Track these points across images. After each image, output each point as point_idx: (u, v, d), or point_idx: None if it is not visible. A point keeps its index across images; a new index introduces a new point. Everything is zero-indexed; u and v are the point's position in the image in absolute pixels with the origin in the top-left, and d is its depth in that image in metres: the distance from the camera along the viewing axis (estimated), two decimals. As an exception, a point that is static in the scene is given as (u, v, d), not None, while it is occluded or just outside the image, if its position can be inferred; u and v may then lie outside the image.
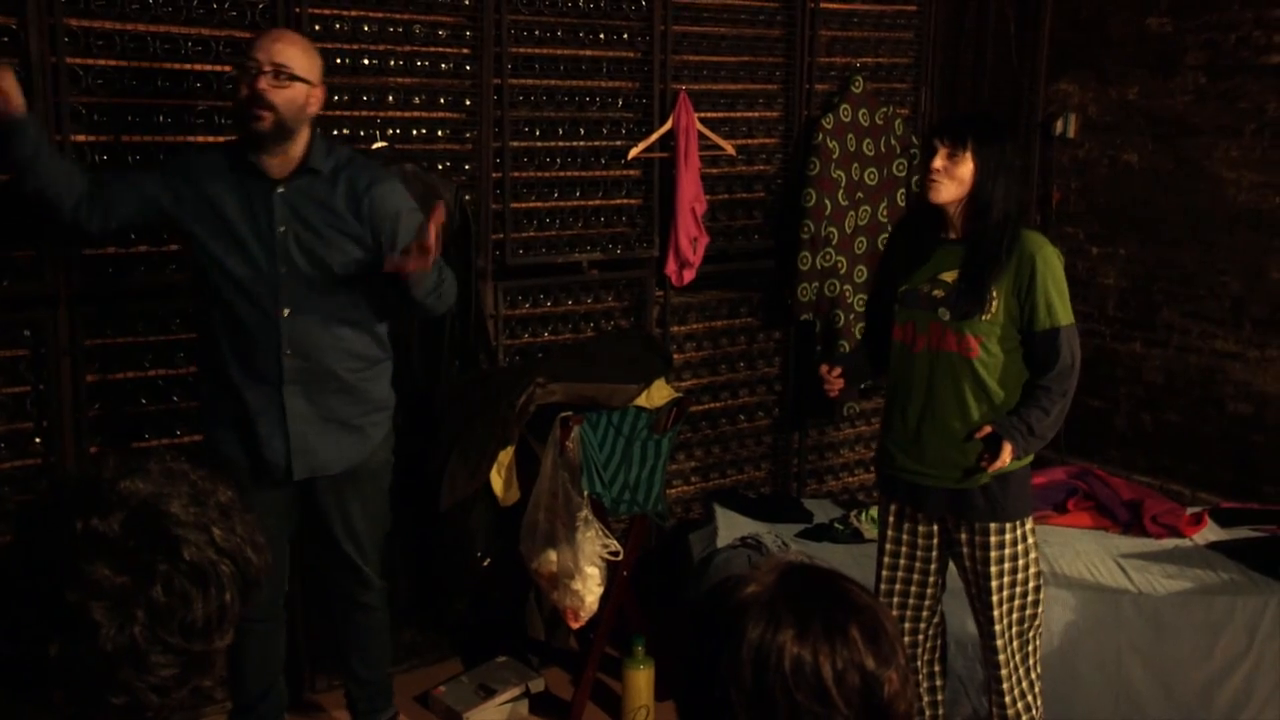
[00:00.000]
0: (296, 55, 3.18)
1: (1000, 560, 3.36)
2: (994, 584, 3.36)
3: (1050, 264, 3.24)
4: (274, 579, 3.46)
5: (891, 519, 3.54)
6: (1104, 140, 5.72)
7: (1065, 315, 3.26)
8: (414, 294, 3.25)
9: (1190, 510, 4.80)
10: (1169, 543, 4.52)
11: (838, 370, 3.49)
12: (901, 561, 3.54)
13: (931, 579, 3.53)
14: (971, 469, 3.31)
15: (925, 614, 3.56)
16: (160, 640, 1.30)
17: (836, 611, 1.32)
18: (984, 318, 3.23)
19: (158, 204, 3.24)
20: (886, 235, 5.29)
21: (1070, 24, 5.78)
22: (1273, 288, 5.15)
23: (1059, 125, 5.81)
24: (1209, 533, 4.62)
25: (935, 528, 3.48)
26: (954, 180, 3.21)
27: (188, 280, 3.63)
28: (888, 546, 3.56)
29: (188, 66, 3.68)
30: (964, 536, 3.39)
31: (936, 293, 3.30)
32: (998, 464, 3.26)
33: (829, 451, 5.58)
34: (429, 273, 3.20)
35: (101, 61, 3.56)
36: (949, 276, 3.28)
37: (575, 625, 3.99)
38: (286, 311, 3.26)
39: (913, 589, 3.54)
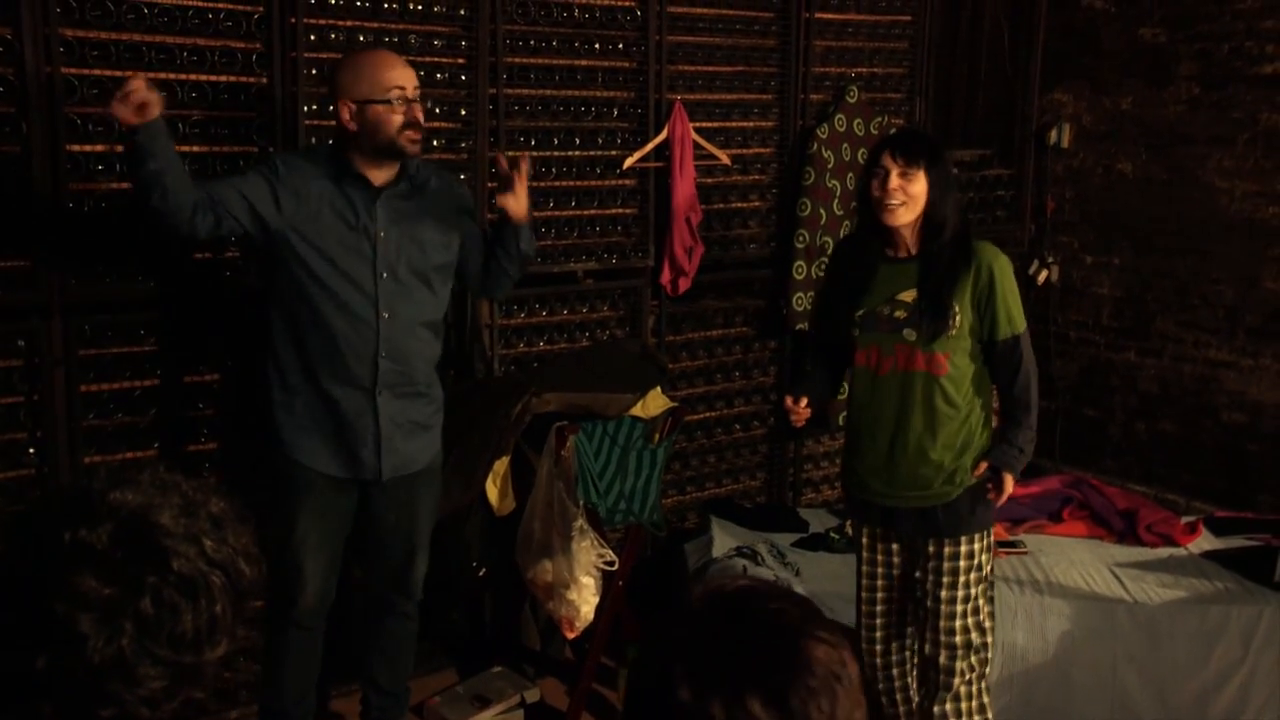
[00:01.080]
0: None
1: (967, 570, 3.37)
2: (959, 592, 3.37)
3: (1006, 272, 3.27)
4: (324, 587, 3.47)
5: (865, 541, 3.54)
6: (1098, 150, 5.73)
7: (1021, 322, 3.30)
8: (522, 244, 3.51)
9: (1185, 519, 4.80)
10: (1164, 552, 4.52)
11: (804, 401, 3.39)
12: (880, 583, 3.55)
13: (907, 601, 3.54)
14: (946, 481, 3.33)
15: (908, 631, 3.57)
16: (149, 652, 1.28)
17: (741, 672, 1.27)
18: (950, 333, 3.24)
19: (260, 207, 3.23)
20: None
21: (1064, 34, 5.79)
22: (1266, 297, 5.15)
23: (1053, 135, 5.81)
24: (1204, 542, 4.62)
25: (901, 547, 3.51)
26: (911, 199, 3.20)
27: (165, 291, 3.62)
28: (864, 569, 3.56)
29: (183, 76, 3.66)
30: (932, 551, 3.39)
31: (898, 314, 3.28)
32: (1003, 498, 3.33)
33: (824, 461, 5.57)
34: (529, 220, 3.49)
35: (97, 71, 3.54)
36: (907, 296, 3.27)
37: (570, 635, 3.98)
38: (386, 315, 3.31)
39: (894, 609, 3.56)
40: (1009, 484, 3.32)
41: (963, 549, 3.37)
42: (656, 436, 4.12)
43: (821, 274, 5.15)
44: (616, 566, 3.99)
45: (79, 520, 1.30)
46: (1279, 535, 4.61)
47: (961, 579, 3.37)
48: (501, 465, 3.92)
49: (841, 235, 5.21)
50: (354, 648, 3.78)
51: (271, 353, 3.38)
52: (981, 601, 3.42)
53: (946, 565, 3.37)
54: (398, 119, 3.22)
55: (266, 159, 3.31)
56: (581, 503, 3.88)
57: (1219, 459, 5.36)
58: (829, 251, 5.16)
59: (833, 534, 4.74)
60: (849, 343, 3.39)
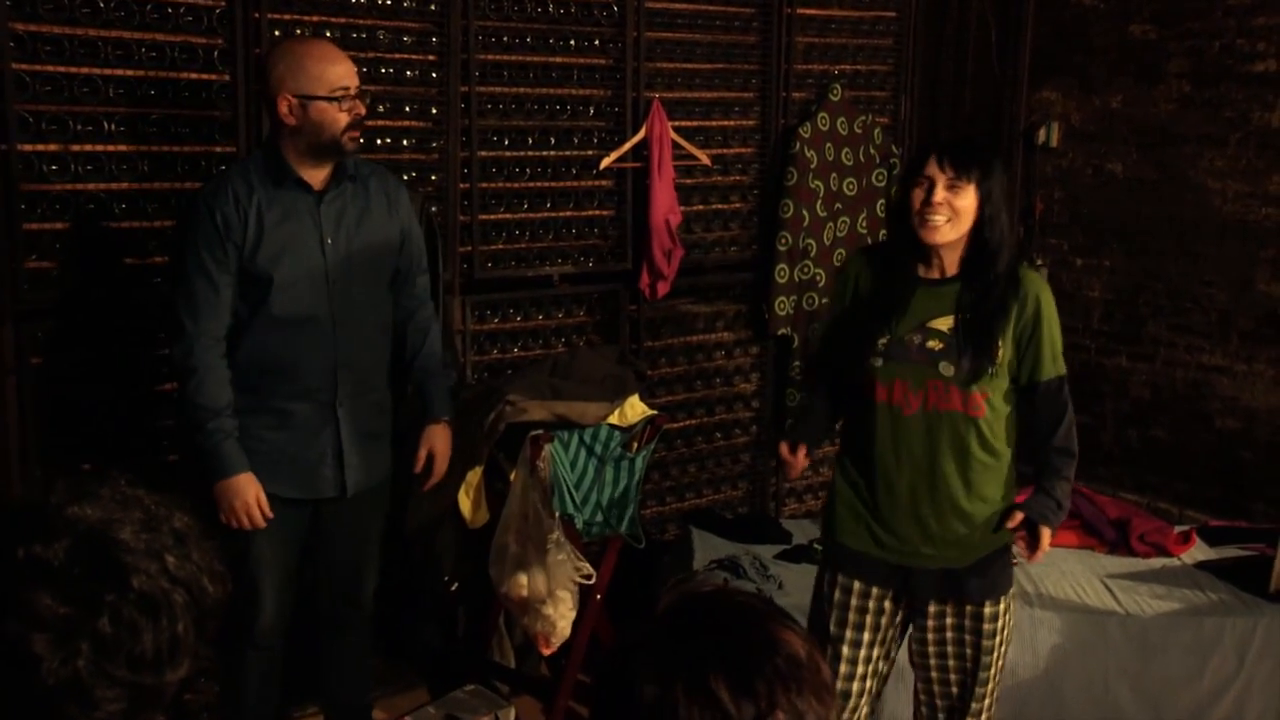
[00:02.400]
0: None
1: (993, 635, 3.10)
2: (987, 660, 3.10)
3: (1051, 306, 2.98)
4: (281, 606, 3.45)
5: (855, 603, 3.13)
6: (1087, 149, 5.75)
7: (1063, 363, 3.01)
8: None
9: (1178, 529, 4.82)
10: (1156, 562, 4.53)
11: (803, 450, 3.17)
12: (865, 652, 3.15)
13: (887, 666, 3.23)
14: (982, 538, 3.05)
15: (874, 701, 3.26)
16: (106, 674, 1.27)
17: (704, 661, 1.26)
18: (991, 370, 2.93)
19: (232, 273, 3.19)
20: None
21: (1052, 31, 5.81)
22: (1260, 299, 5.17)
23: (1041, 134, 5.83)
24: (1197, 552, 4.64)
25: (900, 609, 3.15)
26: (957, 215, 2.87)
27: (124, 296, 3.60)
28: (847, 635, 3.13)
29: (141, 73, 3.64)
30: (951, 620, 3.10)
31: (932, 344, 2.94)
32: (1038, 555, 3.05)
33: (808, 470, 5.55)
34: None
35: (50, 68, 3.51)
36: (942, 324, 2.94)
37: (547, 652, 3.97)
38: (342, 324, 3.28)
39: (877, 682, 3.22)
40: (1046, 541, 3.03)
41: (999, 610, 3.09)
42: (635, 445, 4.11)
43: (804, 277, 5.16)
44: (594, 580, 3.97)
45: (34, 536, 1.28)
46: (1274, 545, 4.62)
47: (996, 650, 3.10)
48: (474, 476, 3.91)
49: (825, 238, 5.21)
50: (311, 667, 3.77)
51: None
52: (1003, 665, 3.18)
53: (986, 628, 3.07)
54: (343, 119, 3.18)
55: (194, 210, 3.19)
56: (557, 514, 3.87)
57: (1213, 467, 5.38)
58: (812, 254, 5.17)
59: (816, 545, 4.72)
60: (864, 374, 3.03)
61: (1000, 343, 2.92)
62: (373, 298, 3.38)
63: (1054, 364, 2.97)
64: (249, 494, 3.19)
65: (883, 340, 2.97)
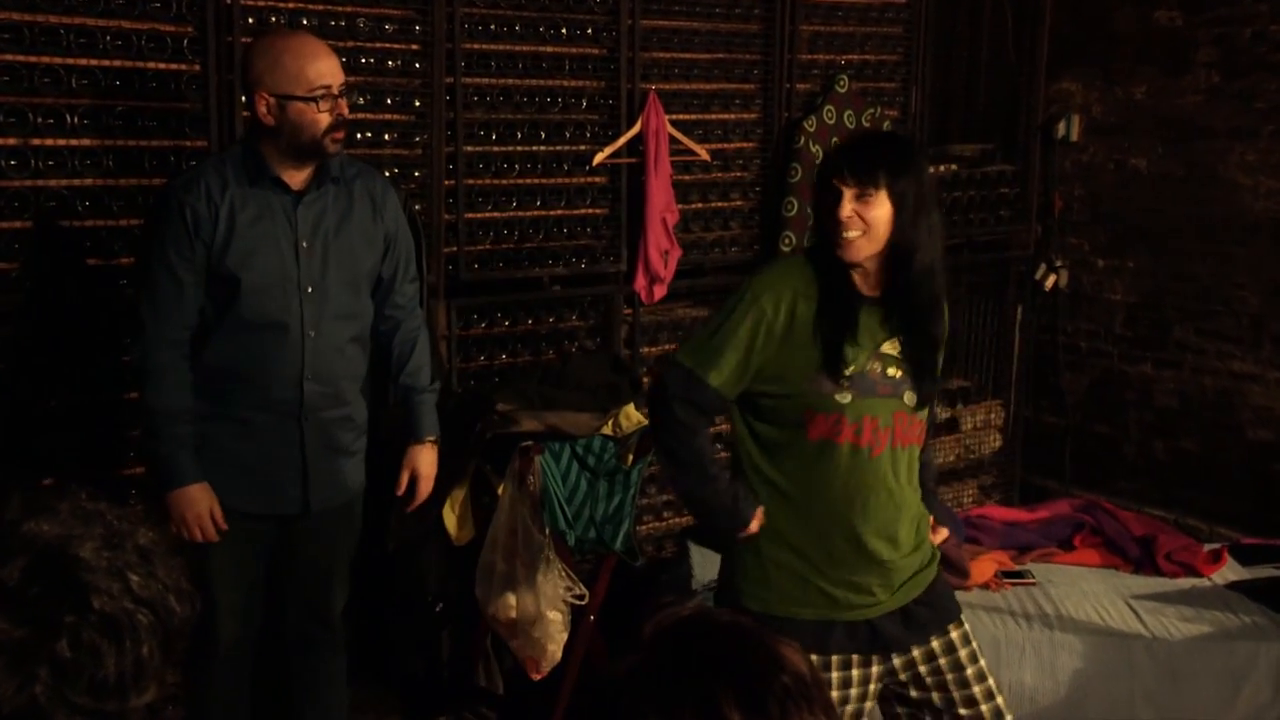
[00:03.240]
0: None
1: (974, 658, 2.92)
2: (988, 680, 2.92)
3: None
4: (245, 621, 3.44)
5: (836, 675, 2.83)
6: (1109, 144, 5.76)
7: None
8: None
9: (1208, 547, 4.81)
10: (1185, 582, 4.52)
11: (759, 511, 2.84)
12: None
13: None
14: (927, 560, 2.92)
15: None
16: (66, 700, 1.26)
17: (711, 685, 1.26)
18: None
19: (198, 270, 3.18)
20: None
21: (1072, 18, 5.82)
22: (1293, 303, 5.18)
23: (1061, 128, 5.84)
24: (1229, 571, 4.63)
25: (871, 672, 2.89)
26: (870, 228, 2.67)
27: (85, 298, 3.59)
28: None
29: (106, 63, 3.64)
30: (938, 649, 2.89)
31: (892, 371, 2.75)
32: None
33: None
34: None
35: (8, 56, 3.52)
36: (893, 349, 2.76)
37: (537, 677, 3.96)
38: (312, 334, 3.26)
39: None
40: (942, 535, 3.00)
41: (966, 631, 2.94)
42: (630, 457, 4.11)
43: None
44: (587, 601, 3.97)
45: (-12, 554, 1.28)
46: (1309, 563, 4.63)
47: (982, 661, 2.93)
48: (460, 490, 3.90)
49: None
50: (283, 691, 3.77)
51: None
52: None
53: (965, 653, 2.90)
54: (324, 119, 3.15)
55: (164, 203, 3.18)
56: (548, 531, 3.87)
57: (1244, 480, 5.38)
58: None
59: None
60: (816, 414, 2.75)
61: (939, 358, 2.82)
62: (348, 307, 3.35)
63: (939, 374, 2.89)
64: (201, 505, 3.18)
65: (849, 371, 2.71)
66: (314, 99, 3.14)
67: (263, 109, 3.15)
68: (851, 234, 2.66)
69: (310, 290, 3.25)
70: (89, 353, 3.74)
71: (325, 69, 3.17)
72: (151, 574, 1.36)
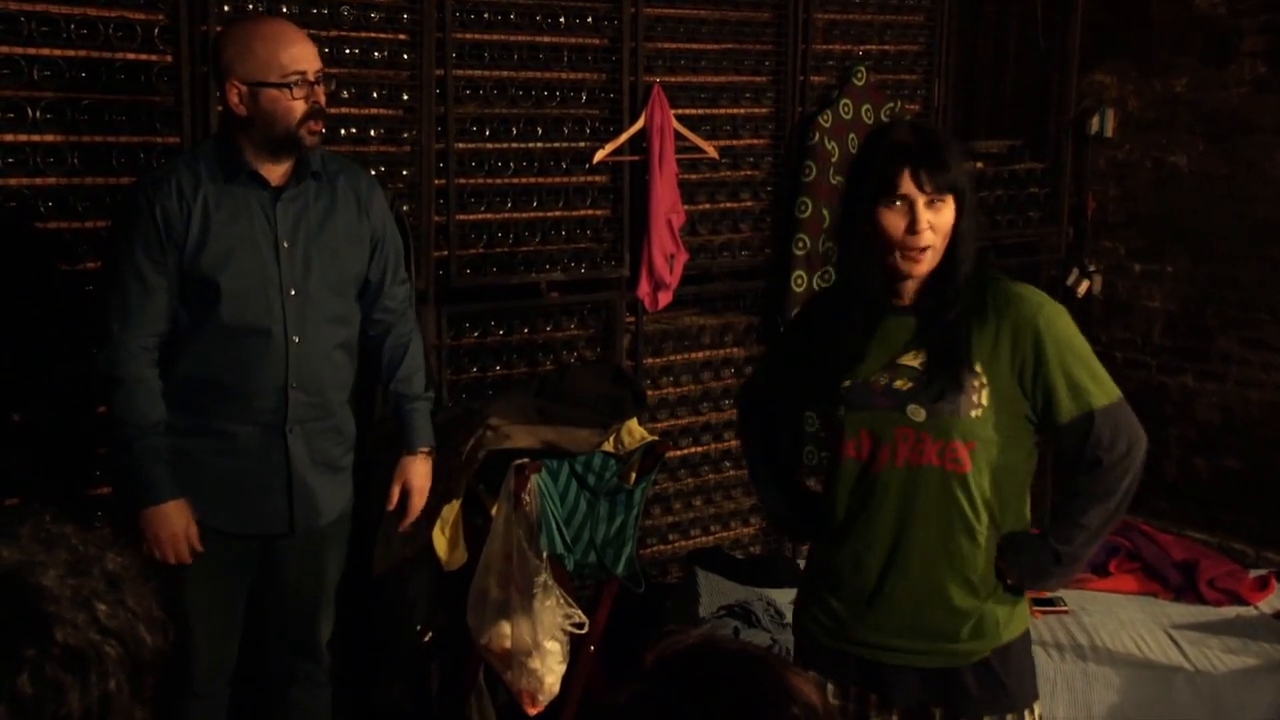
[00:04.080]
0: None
1: None
2: None
3: (1058, 326, 2.68)
4: (222, 652, 3.43)
5: (833, 701, 2.80)
6: (1147, 140, 5.76)
7: (1100, 392, 2.68)
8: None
9: (1254, 572, 4.80)
10: (1229, 611, 4.52)
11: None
12: None
13: None
14: (974, 631, 2.73)
15: None
16: (27, 740, 1.26)
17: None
18: (973, 413, 2.64)
19: (170, 272, 3.18)
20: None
21: (1107, 5, 5.83)
22: (1344, 311, 5.18)
23: (1094, 123, 5.84)
24: (1276, 599, 4.62)
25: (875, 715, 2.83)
26: (940, 238, 2.63)
27: (43, 306, 3.59)
28: None
29: (71, 53, 3.64)
30: None
31: (899, 384, 2.68)
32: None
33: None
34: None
35: (-31, 47, 3.53)
36: (913, 360, 2.69)
37: (533, 711, 3.95)
38: (296, 339, 3.26)
39: None
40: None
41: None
42: (633, 476, 4.11)
43: (825, 285, 5.15)
44: (586, 629, 3.96)
45: (-58, 582, 1.27)
46: (1362, 590, 4.62)
47: None
48: (451, 511, 3.90)
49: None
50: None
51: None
52: None
53: None
54: (299, 107, 3.15)
55: (133, 202, 3.18)
56: (545, 554, 3.87)
57: (1291, 501, 5.38)
58: (833, 260, 5.15)
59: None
60: (830, 427, 2.81)
61: (980, 377, 2.65)
62: (334, 311, 3.36)
63: (1074, 399, 2.66)
64: (177, 524, 3.18)
65: (845, 383, 2.71)
66: (288, 85, 3.15)
67: (235, 98, 3.15)
68: (924, 244, 2.61)
69: (293, 293, 3.25)
70: (52, 364, 3.74)
71: (299, 54, 3.18)
72: (120, 602, 1.36)
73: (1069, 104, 5.91)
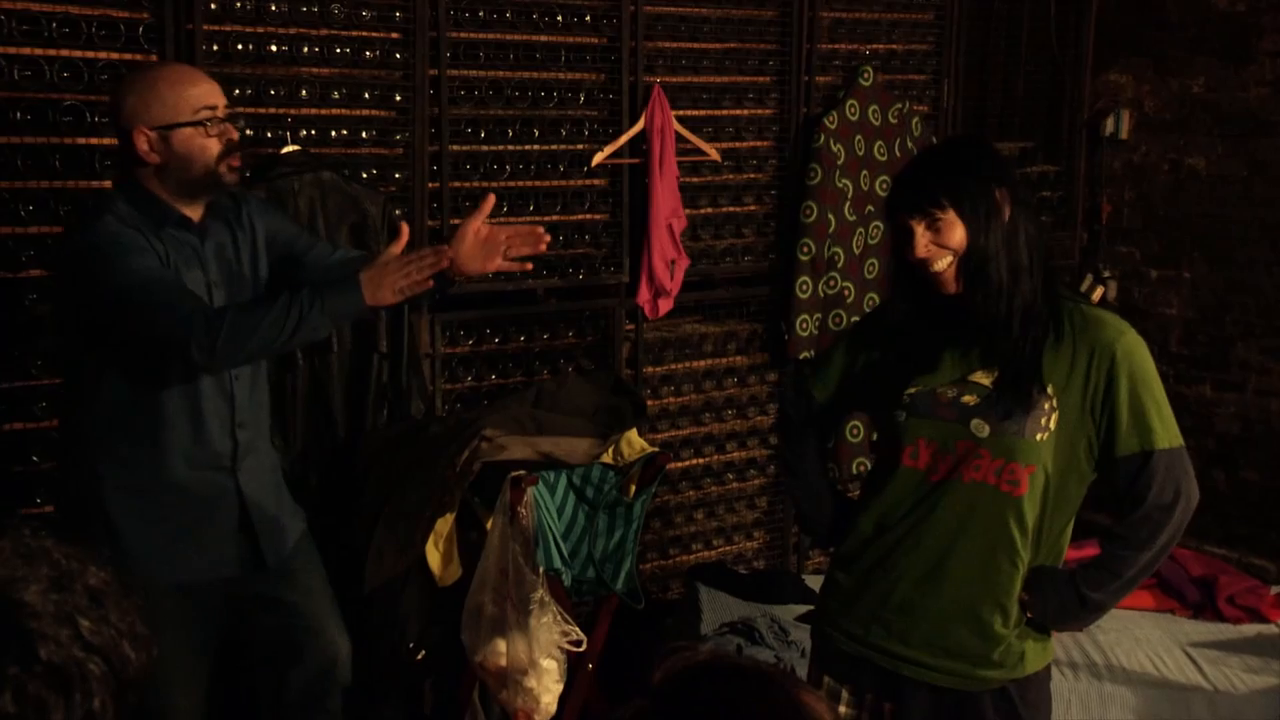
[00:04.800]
0: None
1: None
2: None
3: (1135, 357, 2.68)
4: (194, 705, 3.37)
5: (845, 712, 2.86)
6: (1163, 142, 5.76)
7: (1165, 435, 2.66)
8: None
9: (1275, 589, 4.80)
10: (1249, 629, 4.52)
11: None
12: None
13: None
14: (1004, 656, 2.74)
15: None
16: (9, 761, 1.26)
17: None
18: (1039, 436, 2.66)
19: None
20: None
21: (1121, 3, 5.84)
22: (1368, 318, 5.19)
23: (1109, 124, 5.85)
24: (1297, 616, 4.63)
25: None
26: (954, 250, 2.66)
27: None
28: None
29: (53, 52, 3.65)
30: None
31: (967, 398, 2.71)
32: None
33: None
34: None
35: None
36: (985, 379, 2.72)
37: (529, 733, 3.96)
38: (237, 378, 3.24)
39: None
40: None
41: None
42: (633, 488, 4.11)
43: (830, 291, 5.16)
44: (585, 647, 3.96)
45: (-80, 598, 1.28)
46: (1386, 606, 4.62)
47: None
48: (445, 525, 3.90)
49: (854, 247, 5.22)
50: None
51: (95, 440, 3.21)
52: None
53: None
54: (213, 145, 3.11)
55: (115, 240, 3.05)
56: (542, 569, 3.87)
57: (1313, 514, 5.38)
58: (839, 265, 5.17)
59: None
60: (887, 430, 2.87)
61: (1051, 399, 2.66)
62: None
63: (1137, 435, 2.65)
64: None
65: (912, 390, 2.77)
66: (200, 122, 3.09)
67: (144, 146, 3.06)
68: (939, 266, 2.67)
69: None
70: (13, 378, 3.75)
71: (206, 91, 3.14)
72: (104, 618, 1.36)
73: (1083, 105, 5.91)
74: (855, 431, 5.27)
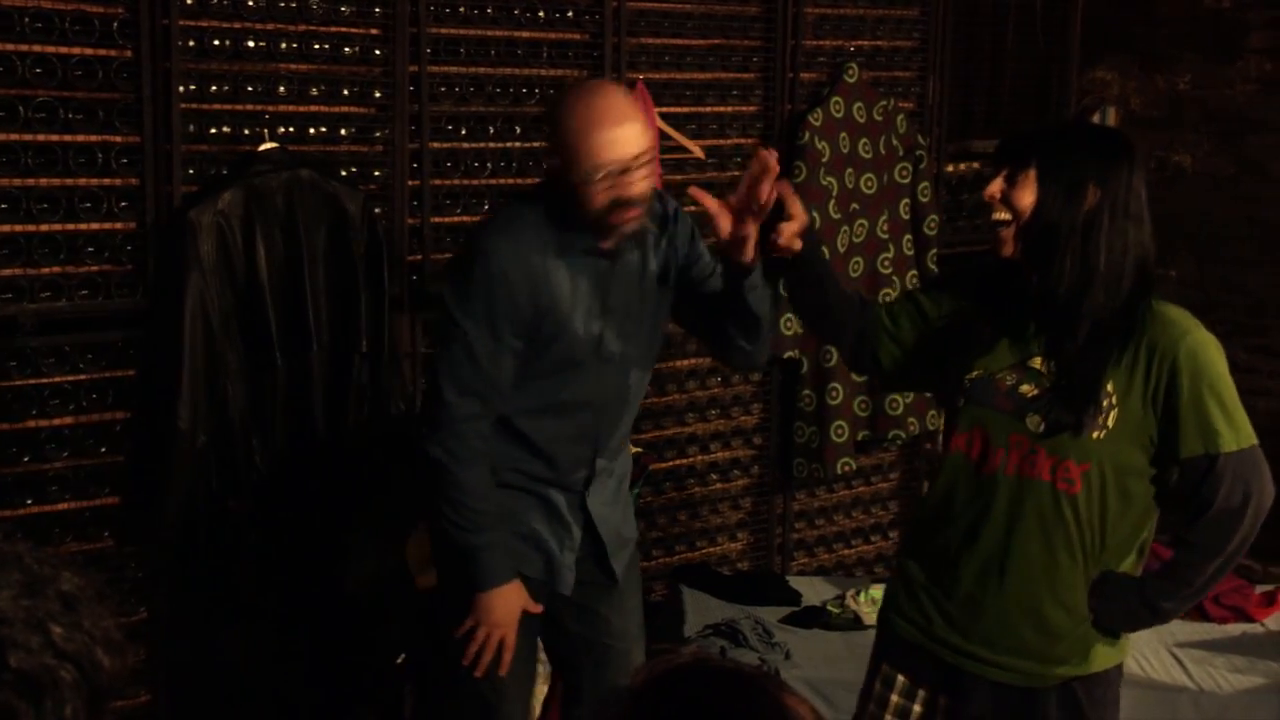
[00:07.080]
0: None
1: None
2: None
3: (1200, 357, 2.62)
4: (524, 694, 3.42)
5: (895, 700, 2.90)
6: (1150, 139, 5.77)
7: (1232, 437, 2.63)
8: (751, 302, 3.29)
9: (1260, 588, 4.81)
10: (1235, 628, 4.53)
11: (796, 224, 3.06)
12: None
13: None
14: (1070, 652, 2.73)
15: None
16: (-23, 771, 1.25)
17: None
18: (1095, 435, 2.62)
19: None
20: (888, 255, 5.31)
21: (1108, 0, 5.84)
22: (1355, 317, 5.20)
23: (1095, 120, 5.85)
24: (1284, 615, 4.64)
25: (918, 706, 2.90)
26: (1019, 214, 2.66)
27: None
28: None
29: (24, 47, 3.64)
30: None
31: (1025, 388, 2.69)
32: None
33: (820, 518, 5.57)
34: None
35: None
36: (1043, 366, 2.70)
37: (511, 737, 3.95)
38: (604, 421, 3.28)
39: None
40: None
41: None
42: (615, 491, 4.10)
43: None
44: (567, 651, 3.96)
45: (-113, 605, 1.27)
46: (1374, 607, 4.63)
47: None
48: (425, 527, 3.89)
49: (839, 244, 5.22)
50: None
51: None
52: None
53: None
54: (631, 192, 3.18)
55: (489, 271, 3.04)
56: (523, 573, 3.86)
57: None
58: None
59: (831, 607, 4.73)
60: (947, 412, 2.88)
61: (1111, 396, 2.62)
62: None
63: (1203, 437, 2.61)
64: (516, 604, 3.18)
65: (973, 374, 2.75)
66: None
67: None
68: (999, 215, 2.69)
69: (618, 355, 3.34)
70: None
71: (633, 135, 3.17)
72: (76, 624, 1.35)
73: (1069, 102, 5.92)
74: (840, 431, 5.27)
